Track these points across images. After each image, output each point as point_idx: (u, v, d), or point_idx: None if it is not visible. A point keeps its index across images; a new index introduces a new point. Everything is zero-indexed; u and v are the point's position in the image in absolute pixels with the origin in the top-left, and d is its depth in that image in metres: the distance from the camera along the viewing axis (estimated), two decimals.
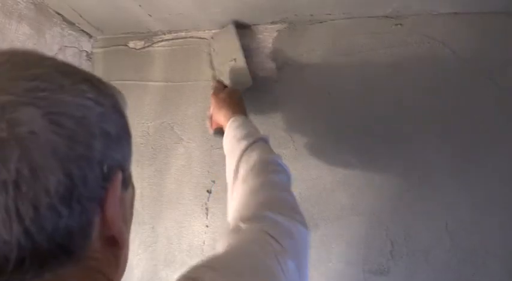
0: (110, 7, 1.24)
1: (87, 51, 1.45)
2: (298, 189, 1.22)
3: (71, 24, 1.34)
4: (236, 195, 0.85)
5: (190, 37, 1.40)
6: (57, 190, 0.35)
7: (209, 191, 1.32)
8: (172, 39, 1.42)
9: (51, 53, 1.26)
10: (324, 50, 1.28)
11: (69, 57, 1.35)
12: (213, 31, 1.37)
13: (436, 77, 1.18)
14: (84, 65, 1.43)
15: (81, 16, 1.30)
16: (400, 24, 1.23)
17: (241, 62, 1.28)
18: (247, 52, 1.30)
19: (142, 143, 1.38)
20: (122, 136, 0.44)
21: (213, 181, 1.32)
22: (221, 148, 1.30)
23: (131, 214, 0.50)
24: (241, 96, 1.21)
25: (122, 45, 1.46)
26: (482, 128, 1.13)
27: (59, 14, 1.28)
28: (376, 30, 1.24)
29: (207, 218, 1.31)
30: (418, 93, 1.19)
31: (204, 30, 1.38)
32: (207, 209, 1.31)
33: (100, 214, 0.40)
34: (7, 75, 0.37)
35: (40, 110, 0.35)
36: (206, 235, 1.30)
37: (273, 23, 1.32)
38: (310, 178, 1.23)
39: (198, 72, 1.38)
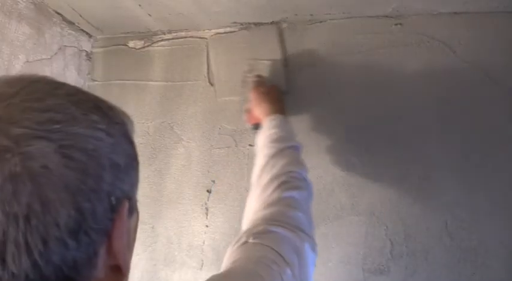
0: (110, 7, 1.24)
1: (86, 51, 1.45)
2: None
3: (70, 23, 1.34)
4: (254, 203, 0.86)
5: (190, 37, 1.40)
6: (67, 223, 0.35)
7: (209, 191, 1.32)
8: (172, 39, 1.42)
9: (51, 52, 1.26)
10: (324, 50, 1.28)
11: (68, 56, 1.35)
12: (213, 31, 1.37)
13: (436, 76, 1.18)
14: (84, 65, 1.43)
15: (81, 16, 1.30)
16: (400, 23, 1.23)
17: (279, 65, 1.29)
18: None
19: (142, 143, 1.38)
20: (130, 165, 0.44)
21: (213, 181, 1.32)
22: (221, 147, 1.31)
23: (134, 238, 0.50)
24: (281, 93, 1.22)
25: (122, 45, 1.46)
26: (483, 128, 1.13)
27: (58, 13, 1.28)
28: (376, 30, 1.24)
29: (207, 218, 1.31)
30: (418, 93, 1.19)
31: (204, 30, 1.38)
32: (207, 209, 1.31)
33: (106, 244, 0.40)
34: (20, 106, 0.36)
35: (53, 144, 0.35)
36: (206, 235, 1.30)
37: (272, 23, 1.32)
38: (311, 176, 1.23)
39: (198, 72, 1.38)
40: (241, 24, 1.33)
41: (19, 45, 1.13)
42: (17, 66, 1.13)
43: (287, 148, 0.95)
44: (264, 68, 1.29)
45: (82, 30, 1.41)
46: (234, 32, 1.35)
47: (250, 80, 1.26)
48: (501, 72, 1.14)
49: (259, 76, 1.26)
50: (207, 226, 1.31)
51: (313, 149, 1.24)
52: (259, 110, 1.14)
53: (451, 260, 1.11)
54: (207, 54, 1.37)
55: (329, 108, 1.25)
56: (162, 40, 1.42)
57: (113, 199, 0.40)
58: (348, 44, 1.26)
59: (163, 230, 1.34)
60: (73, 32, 1.37)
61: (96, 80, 1.46)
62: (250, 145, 1.28)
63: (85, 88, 1.44)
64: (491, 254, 1.09)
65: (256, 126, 1.17)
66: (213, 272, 1.26)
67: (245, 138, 1.30)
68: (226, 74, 1.34)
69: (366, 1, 1.17)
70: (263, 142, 1.00)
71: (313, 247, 0.78)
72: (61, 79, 1.36)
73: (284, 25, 1.31)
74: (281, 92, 1.23)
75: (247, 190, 1.27)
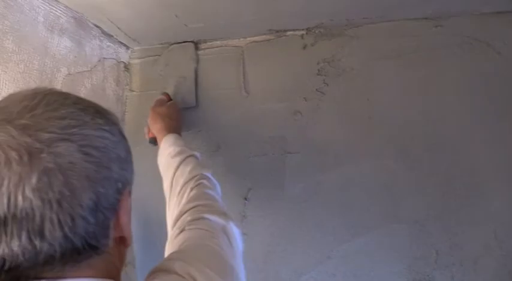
0: (147, 18, 1.26)
1: (124, 62, 1.47)
2: (339, 196, 1.20)
3: (109, 36, 1.37)
4: (175, 206, 0.95)
5: (225, 46, 1.40)
6: (88, 204, 0.46)
7: (246, 199, 1.31)
8: (207, 48, 1.42)
9: (91, 65, 1.29)
10: (361, 55, 1.25)
11: (107, 68, 1.37)
12: (248, 39, 1.37)
13: (480, 79, 1.14)
14: (122, 76, 1.46)
15: (118, 28, 1.33)
16: (441, 25, 1.20)
17: (191, 82, 1.38)
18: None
19: None
20: (128, 157, 0.55)
21: (250, 188, 1.31)
22: (258, 155, 1.30)
23: (131, 217, 0.60)
24: (179, 112, 1.30)
25: (159, 55, 1.47)
26: None
27: (97, 26, 1.31)
28: (416, 33, 1.21)
29: (244, 225, 1.30)
30: (462, 97, 1.15)
31: (239, 39, 1.38)
32: (244, 216, 1.31)
33: (114, 220, 0.51)
34: (43, 116, 0.46)
35: (74, 144, 0.46)
36: (244, 243, 1.28)
37: (308, 28, 1.31)
38: (351, 184, 1.21)
39: (234, 80, 1.38)
40: (277, 31, 1.33)
41: (61, 59, 1.16)
42: (59, 79, 1.15)
43: (187, 157, 1.05)
44: (175, 85, 1.39)
45: (120, 42, 1.43)
46: (270, 39, 1.35)
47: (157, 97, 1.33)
48: None
49: (164, 94, 1.35)
50: (244, 234, 1.30)
51: (353, 155, 1.22)
52: (153, 128, 1.23)
53: (501, 270, 1.07)
54: (243, 62, 1.37)
55: (368, 114, 1.22)
56: (198, 49, 1.43)
57: (119, 184, 0.51)
58: (386, 48, 1.23)
59: None
60: (111, 44, 1.40)
61: (134, 91, 1.48)
62: (288, 152, 1.27)
63: (123, 99, 1.46)
64: None
65: (152, 141, 1.26)
66: (252, 280, 1.25)
67: (282, 146, 1.29)
68: (262, 82, 1.34)
69: (404, 4, 1.14)
70: (165, 160, 1.09)
71: (236, 224, 0.87)
72: (100, 90, 1.38)
73: (320, 30, 1.30)
74: (179, 109, 1.30)
75: (284, 197, 1.26)
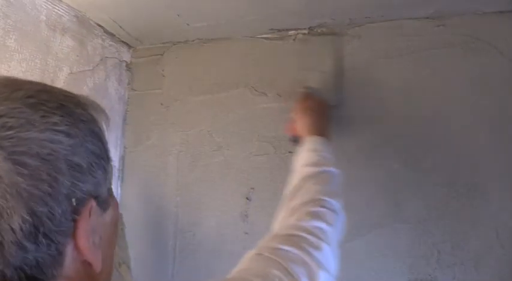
0: (149, 17, 1.26)
1: (126, 62, 1.47)
2: None
3: (111, 35, 1.37)
4: (282, 220, 0.86)
5: (227, 45, 1.40)
6: (22, 228, 0.36)
7: (248, 199, 1.31)
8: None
9: (93, 64, 1.29)
10: (363, 54, 1.25)
11: (109, 67, 1.38)
12: (250, 38, 1.37)
13: (482, 79, 1.14)
14: (124, 75, 1.46)
15: (121, 27, 1.33)
16: (443, 25, 1.19)
17: (331, 77, 1.25)
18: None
19: (181, 151, 1.39)
20: (95, 164, 0.43)
21: (252, 188, 1.31)
22: (260, 154, 1.30)
23: (114, 231, 0.51)
24: (328, 109, 1.17)
25: (160, 54, 1.47)
26: None
27: (100, 25, 1.31)
28: (418, 32, 1.21)
29: (246, 225, 1.30)
30: (464, 97, 1.15)
31: (241, 38, 1.38)
32: (246, 216, 1.31)
33: (72, 243, 0.41)
34: None
35: (3, 151, 0.36)
36: (246, 242, 1.29)
37: (310, 28, 1.31)
38: (352, 184, 1.20)
39: (236, 79, 1.38)
40: (279, 30, 1.33)
41: (63, 58, 1.16)
42: (61, 78, 1.16)
43: (323, 173, 0.93)
44: (314, 79, 1.26)
45: (122, 41, 1.44)
46: (272, 39, 1.35)
47: (299, 91, 1.22)
48: None
49: (309, 88, 1.23)
50: (246, 234, 1.30)
51: (354, 155, 1.22)
52: (301, 125, 1.10)
53: (503, 271, 1.06)
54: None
55: (368, 114, 1.22)
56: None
57: (73, 200, 0.40)
58: (387, 47, 1.23)
59: (203, 238, 1.34)
60: (114, 44, 1.40)
61: (136, 90, 1.48)
62: (289, 152, 1.27)
63: (125, 98, 1.47)
64: None
65: (294, 139, 1.15)
66: None
67: (284, 145, 1.28)
68: (263, 81, 1.34)
69: (406, 3, 1.14)
70: (300, 163, 0.98)
71: (329, 279, 0.75)
72: (102, 90, 1.38)
73: (321, 30, 1.30)
74: (329, 107, 1.18)
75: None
